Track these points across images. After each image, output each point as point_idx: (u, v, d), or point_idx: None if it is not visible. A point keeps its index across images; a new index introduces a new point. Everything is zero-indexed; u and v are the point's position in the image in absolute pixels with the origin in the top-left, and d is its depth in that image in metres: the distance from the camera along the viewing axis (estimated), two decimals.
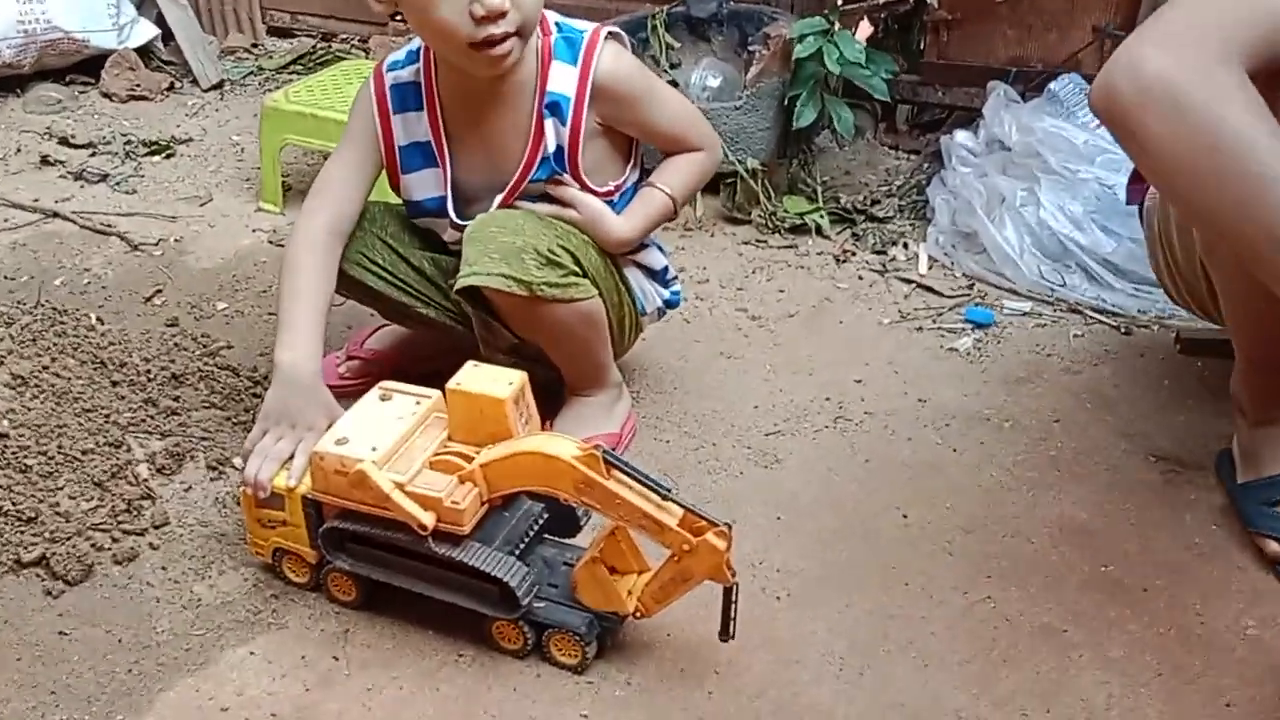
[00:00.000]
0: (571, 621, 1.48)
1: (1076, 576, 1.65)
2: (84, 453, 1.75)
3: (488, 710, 1.44)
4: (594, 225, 1.75)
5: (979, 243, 2.43)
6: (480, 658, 1.51)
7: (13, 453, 1.71)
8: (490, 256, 1.63)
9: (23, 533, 1.65)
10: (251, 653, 1.52)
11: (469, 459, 1.46)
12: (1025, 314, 2.30)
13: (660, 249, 1.93)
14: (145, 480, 1.76)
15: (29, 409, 1.77)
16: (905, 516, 1.77)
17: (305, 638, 1.54)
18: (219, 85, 3.39)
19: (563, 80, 1.69)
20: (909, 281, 2.41)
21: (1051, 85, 2.57)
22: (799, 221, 2.59)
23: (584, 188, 1.75)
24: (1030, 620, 1.58)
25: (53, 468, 1.72)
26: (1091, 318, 2.28)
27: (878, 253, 2.52)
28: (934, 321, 2.28)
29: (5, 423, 1.74)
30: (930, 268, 2.46)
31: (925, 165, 2.80)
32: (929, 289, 2.38)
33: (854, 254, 2.51)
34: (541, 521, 1.55)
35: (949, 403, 2.03)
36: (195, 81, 3.39)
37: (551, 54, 1.69)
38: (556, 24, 1.73)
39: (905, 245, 2.54)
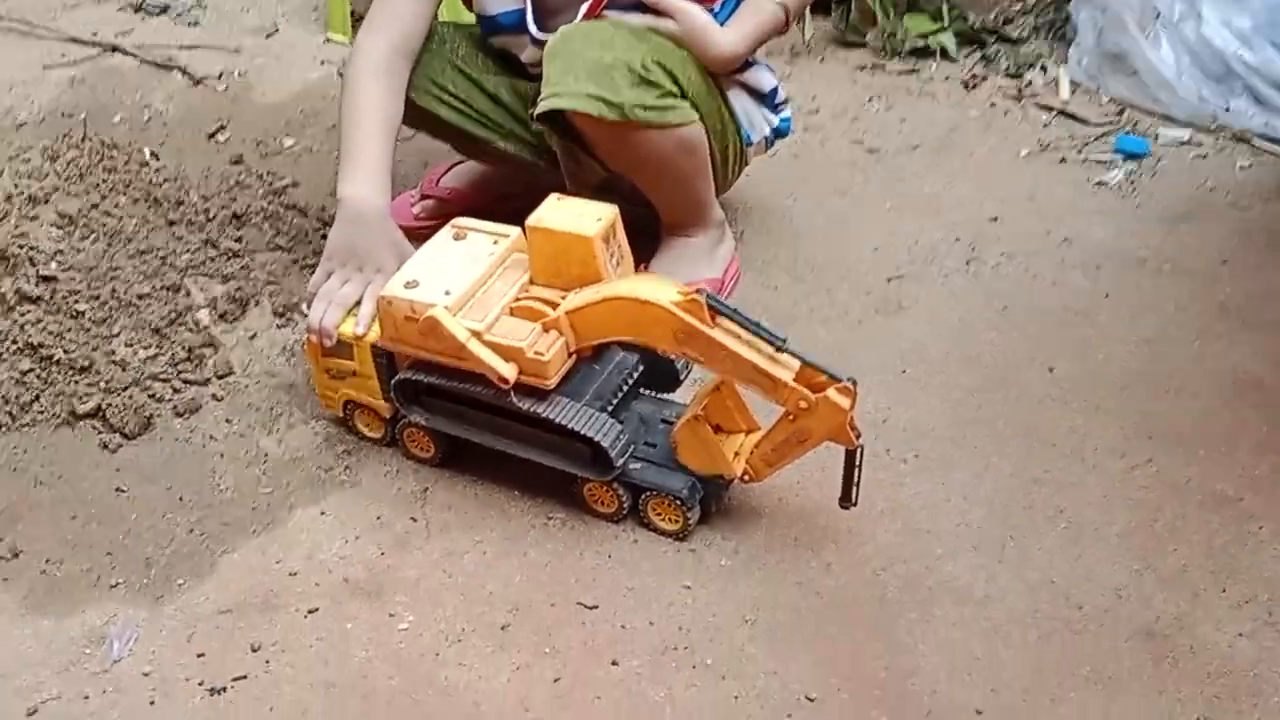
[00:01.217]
0: (672, 484, 1.32)
1: (1251, 437, 1.45)
2: (140, 297, 1.61)
3: (580, 579, 1.30)
4: (695, 38, 1.52)
5: (1129, 64, 2.15)
6: (571, 521, 1.37)
7: (63, 297, 1.57)
8: (575, 75, 1.43)
9: (77, 382, 1.52)
10: (322, 513, 1.39)
11: (553, 305, 1.29)
12: (1184, 143, 2.03)
13: (769, 68, 1.70)
14: (206, 327, 1.62)
15: (79, 250, 1.63)
16: (1051, 370, 1.55)
17: (381, 497, 1.41)
18: None
19: None
20: (1049, 109, 2.15)
21: None
22: (921, 43, 2.34)
23: None
24: (1199, 487, 1.38)
25: (106, 313, 1.58)
26: (1260, 146, 2.01)
27: (1012, 77, 2.25)
28: (1079, 152, 2.02)
29: (54, 265, 1.60)
30: (1073, 93, 2.19)
31: None
32: (1072, 116, 2.12)
33: (984, 79, 2.25)
34: (637, 375, 1.38)
35: (1099, 243, 1.79)
36: None
37: None
38: None
39: (1043, 69, 2.26)
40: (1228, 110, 2.06)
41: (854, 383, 1.21)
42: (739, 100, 1.65)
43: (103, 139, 1.78)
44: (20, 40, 2.50)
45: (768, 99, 1.70)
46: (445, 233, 1.42)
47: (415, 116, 1.63)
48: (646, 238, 1.69)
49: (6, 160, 1.77)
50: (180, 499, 1.41)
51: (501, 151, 1.69)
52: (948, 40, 2.32)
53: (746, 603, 1.26)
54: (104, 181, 1.73)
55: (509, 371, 1.27)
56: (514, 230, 1.38)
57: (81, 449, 1.48)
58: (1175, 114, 2.09)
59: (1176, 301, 1.66)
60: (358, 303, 1.43)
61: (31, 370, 1.53)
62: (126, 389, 1.52)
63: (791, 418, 1.24)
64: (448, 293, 1.30)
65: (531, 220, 1.30)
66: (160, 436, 1.50)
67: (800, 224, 1.87)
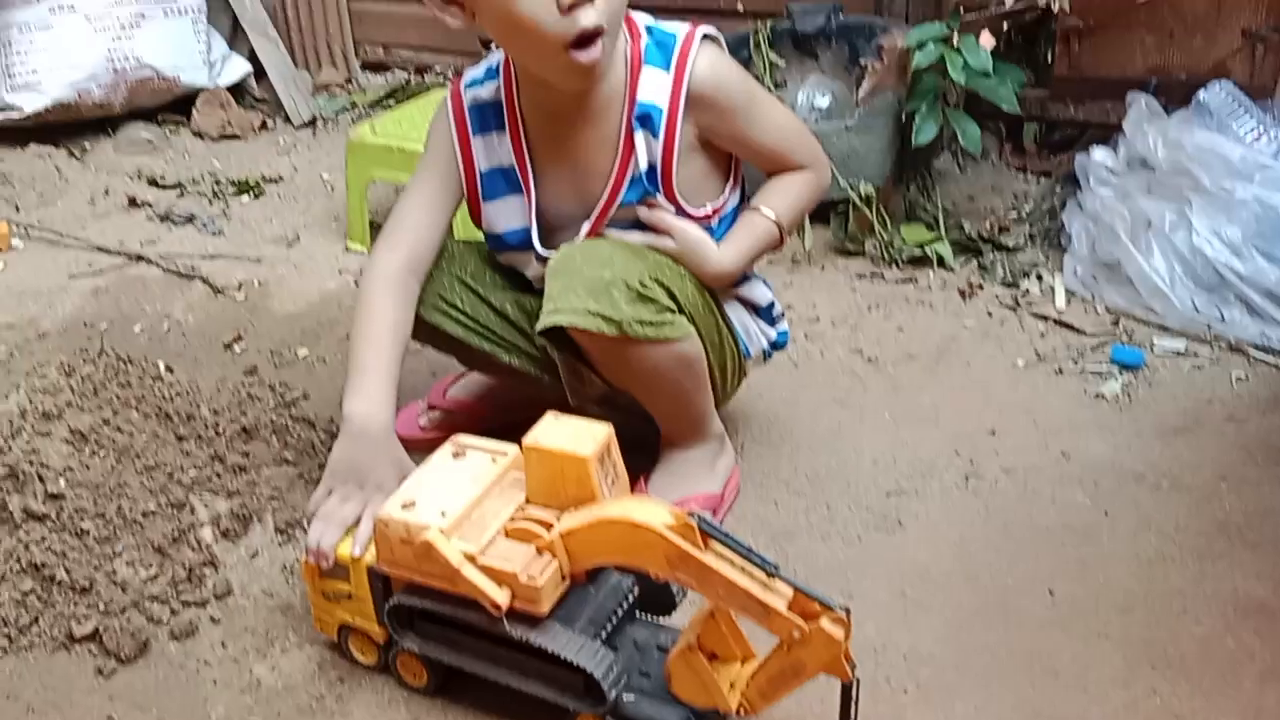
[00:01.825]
0: (665, 719, 1.29)
1: (1257, 666, 1.41)
2: (144, 515, 1.63)
3: None
4: (692, 255, 1.57)
5: (1123, 273, 2.19)
6: None
7: (69, 515, 1.59)
8: (575, 292, 1.47)
9: (76, 604, 1.53)
10: None
11: (548, 526, 1.29)
12: (1179, 354, 2.05)
13: (765, 283, 1.74)
14: (209, 545, 1.64)
15: (88, 466, 1.65)
16: (1051, 593, 1.54)
17: None
18: (311, 122, 3.33)
19: (654, 88, 1.52)
20: (1045, 318, 2.18)
21: (1200, 94, 2.32)
22: (918, 252, 2.38)
23: (679, 211, 1.57)
24: None
25: (110, 531, 1.60)
26: (1256, 358, 2.02)
27: (1008, 286, 2.29)
28: (1075, 363, 2.04)
29: (62, 482, 1.62)
30: (1069, 302, 2.22)
31: (1057, 188, 2.56)
32: (1068, 326, 2.14)
33: (981, 288, 2.29)
34: (632, 598, 1.37)
35: (1097, 457, 1.79)
36: (288, 119, 3.32)
37: (642, 59, 1.52)
38: (647, 27, 1.56)
39: (1039, 277, 2.30)
40: (1222, 320, 2.08)
41: (848, 612, 1.19)
42: (736, 314, 1.69)
43: (119, 354, 1.83)
44: (49, 249, 2.61)
45: (764, 312, 1.74)
46: (445, 450, 1.43)
47: (424, 332, 1.67)
48: (646, 449, 1.71)
49: (24, 375, 1.82)
50: None
51: (507, 365, 1.72)
52: (944, 249, 2.37)
53: None
54: (117, 397, 1.77)
55: (502, 598, 1.26)
56: (512, 448, 1.39)
57: (76, 675, 1.47)
58: (1170, 323, 2.12)
59: (1176, 520, 1.65)
60: (358, 522, 1.44)
61: (33, 591, 1.54)
62: (125, 611, 1.52)
63: (786, 648, 1.22)
64: (444, 514, 1.30)
65: (528, 440, 1.31)
66: (155, 662, 1.49)
67: (800, 435, 1.89)
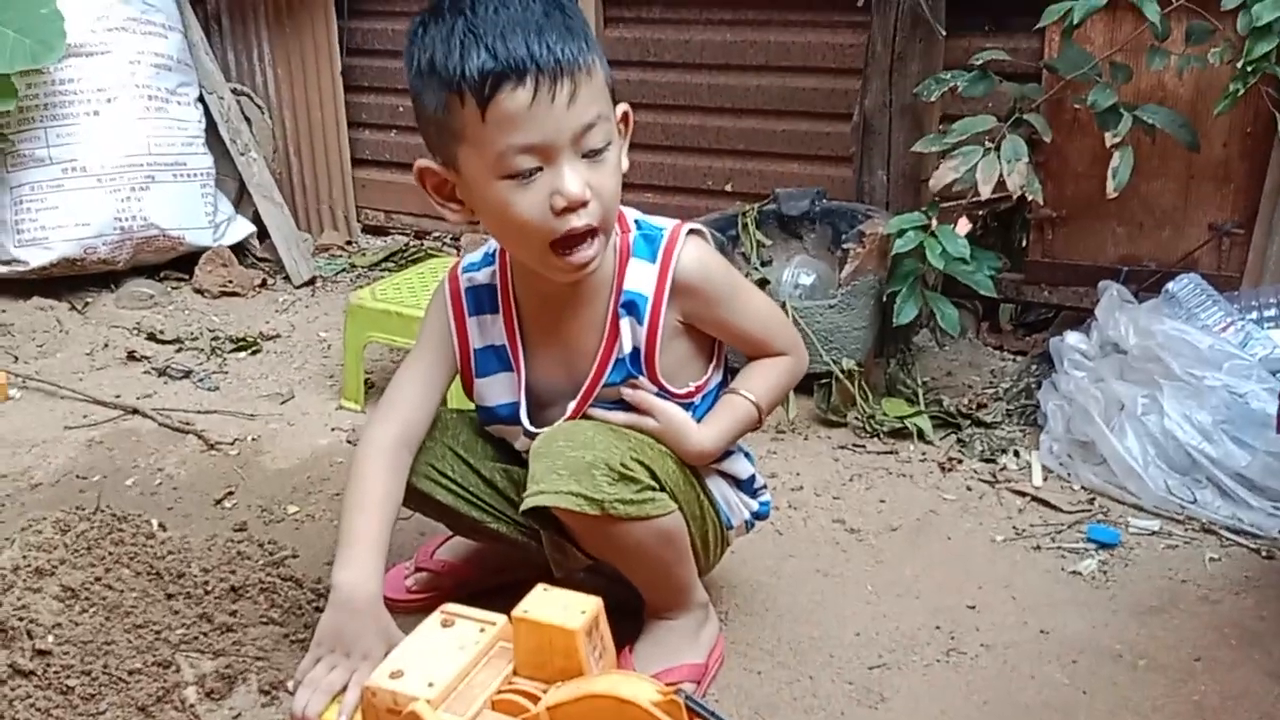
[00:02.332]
0: None
1: None
2: (130, 673, 1.63)
3: None
4: (673, 436, 1.63)
5: (1097, 453, 2.25)
6: None
7: (55, 672, 1.60)
8: (558, 474, 1.51)
9: None
10: None
11: (535, 699, 1.30)
12: (1154, 533, 2.09)
13: (747, 455, 1.79)
14: (192, 705, 1.63)
15: (77, 624, 1.66)
16: None
17: None
18: (311, 282, 3.42)
19: (641, 278, 1.60)
20: (1022, 494, 2.23)
21: (1169, 286, 2.43)
22: (899, 425, 2.45)
23: (661, 391, 1.64)
24: None
25: (96, 689, 1.60)
26: (1228, 539, 2.07)
27: (986, 461, 2.35)
28: (1053, 540, 2.08)
29: (51, 639, 1.63)
30: (1045, 479, 2.27)
31: (1033, 367, 2.65)
32: (1045, 503, 2.19)
33: (960, 462, 2.35)
34: None
35: (1075, 635, 1.82)
36: (288, 278, 3.41)
37: (630, 251, 1.61)
38: (636, 221, 1.65)
39: (1016, 454, 2.36)
40: (1195, 501, 2.14)
41: None
42: (718, 487, 1.73)
43: (114, 511, 1.86)
44: (45, 400, 2.65)
45: (745, 485, 1.78)
46: (434, 619, 1.44)
47: (415, 499, 1.71)
48: (631, 616, 1.73)
49: (18, 530, 1.84)
50: None
51: (495, 532, 1.76)
52: (924, 423, 2.44)
53: None
54: (110, 554, 1.79)
55: None
56: (501, 618, 1.41)
57: None
58: (1144, 503, 2.17)
59: (1153, 700, 1.67)
60: (344, 690, 1.45)
61: None
62: None
63: None
64: (431, 684, 1.31)
65: (517, 611, 1.33)
66: None
67: (783, 604, 1.91)
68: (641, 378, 1.62)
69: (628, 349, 1.60)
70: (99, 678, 1.61)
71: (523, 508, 1.55)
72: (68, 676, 1.60)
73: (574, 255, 1.49)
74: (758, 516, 1.82)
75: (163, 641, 1.70)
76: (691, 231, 1.64)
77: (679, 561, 1.66)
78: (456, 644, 1.39)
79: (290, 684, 1.64)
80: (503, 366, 1.68)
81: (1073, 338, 2.47)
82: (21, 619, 1.64)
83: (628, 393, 1.62)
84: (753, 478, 1.79)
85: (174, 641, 1.71)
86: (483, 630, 1.41)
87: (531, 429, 1.66)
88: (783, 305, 2.46)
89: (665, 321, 1.60)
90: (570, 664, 1.30)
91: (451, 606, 1.46)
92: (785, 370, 1.72)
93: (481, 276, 1.69)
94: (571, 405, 1.64)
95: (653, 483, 1.57)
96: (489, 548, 1.93)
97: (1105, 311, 2.44)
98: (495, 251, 1.68)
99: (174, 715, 1.61)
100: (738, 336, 1.70)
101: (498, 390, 1.69)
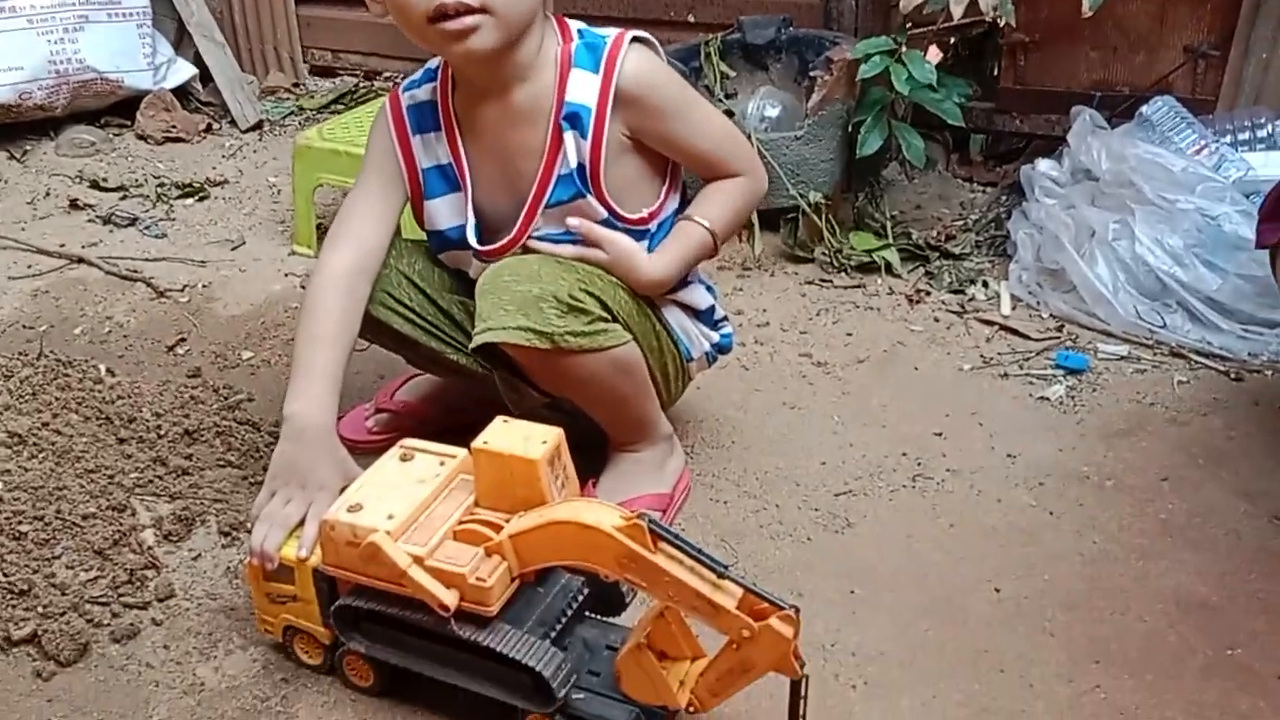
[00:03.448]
0: (615, 716, 1.28)
1: (1198, 661, 1.43)
2: (84, 518, 1.60)
3: None
4: (623, 266, 1.57)
5: (1067, 280, 2.22)
6: None
7: (6, 518, 1.56)
8: (505, 309, 1.46)
9: (14, 607, 1.49)
10: None
11: (497, 528, 1.28)
12: (1122, 358, 2.08)
13: (709, 288, 1.74)
14: (150, 548, 1.61)
15: (26, 470, 1.62)
16: (997, 590, 1.55)
17: None
18: (257, 126, 3.29)
19: (583, 89, 1.52)
20: (991, 323, 2.20)
21: (1143, 109, 2.37)
22: (867, 259, 2.40)
23: (611, 212, 1.57)
24: (1147, 714, 1.36)
25: (50, 534, 1.57)
26: (1197, 362, 2.05)
27: (955, 292, 2.31)
28: (1021, 367, 2.06)
29: (0, 485, 1.59)
30: (1014, 308, 2.25)
31: (1003, 198, 2.60)
32: (1014, 331, 2.17)
33: (928, 294, 2.31)
34: (581, 599, 1.37)
35: (1042, 459, 1.81)
36: (233, 122, 3.29)
37: (571, 61, 1.53)
38: (579, 31, 1.57)
39: (985, 284, 2.33)
40: (1164, 326, 2.12)
41: (797, 611, 1.19)
42: (675, 318, 1.68)
43: (58, 356, 1.80)
44: None
45: (705, 316, 1.73)
46: (392, 454, 1.42)
47: (372, 328, 1.65)
48: (596, 451, 1.71)
49: None
50: None
51: (454, 364, 1.71)
52: (892, 256, 2.40)
53: None
54: (56, 399, 1.74)
55: (450, 599, 1.25)
56: (461, 451, 1.38)
57: (14, 678, 1.43)
58: (1113, 329, 2.15)
59: (1120, 520, 1.68)
60: (302, 523, 1.42)
61: None
62: (64, 614, 1.49)
63: (735, 646, 1.21)
64: (391, 517, 1.29)
65: (477, 443, 1.30)
66: (95, 664, 1.46)
67: (750, 437, 1.89)
68: (589, 197, 1.55)
69: (572, 164, 1.53)
70: (52, 523, 1.58)
71: (472, 346, 1.50)
72: (20, 522, 1.56)
73: (449, 24, 1.41)
74: (720, 350, 1.78)
75: (116, 486, 1.66)
76: (637, 39, 1.55)
77: (638, 393, 1.62)
78: (416, 478, 1.36)
79: (250, 524, 1.61)
80: (450, 186, 1.62)
81: (1044, 164, 2.42)
82: None
83: (574, 222, 1.56)
84: (712, 309, 1.74)
85: (128, 486, 1.67)
86: (442, 464, 1.38)
87: (479, 248, 1.60)
88: (748, 138, 2.38)
89: (610, 134, 1.53)
90: (532, 494, 1.28)
91: (410, 441, 1.43)
92: (742, 193, 1.65)
93: (422, 94, 1.61)
94: (517, 226, 1.58)
95: (604, 314, 1.52)
96: (450, 387, 1.89)
97: (1078, 137, 2.38)
98: (437, 68, 1.60)
99: (132, 558, 1.58)
100: (689, 155, 1.62)
101: (446, 212, 1.63)
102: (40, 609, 1.49)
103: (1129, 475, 1.77)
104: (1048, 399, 1.97)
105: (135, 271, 2.45)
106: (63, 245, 2.56)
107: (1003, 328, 2.19)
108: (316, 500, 1.41)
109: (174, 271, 2.46)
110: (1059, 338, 2.15)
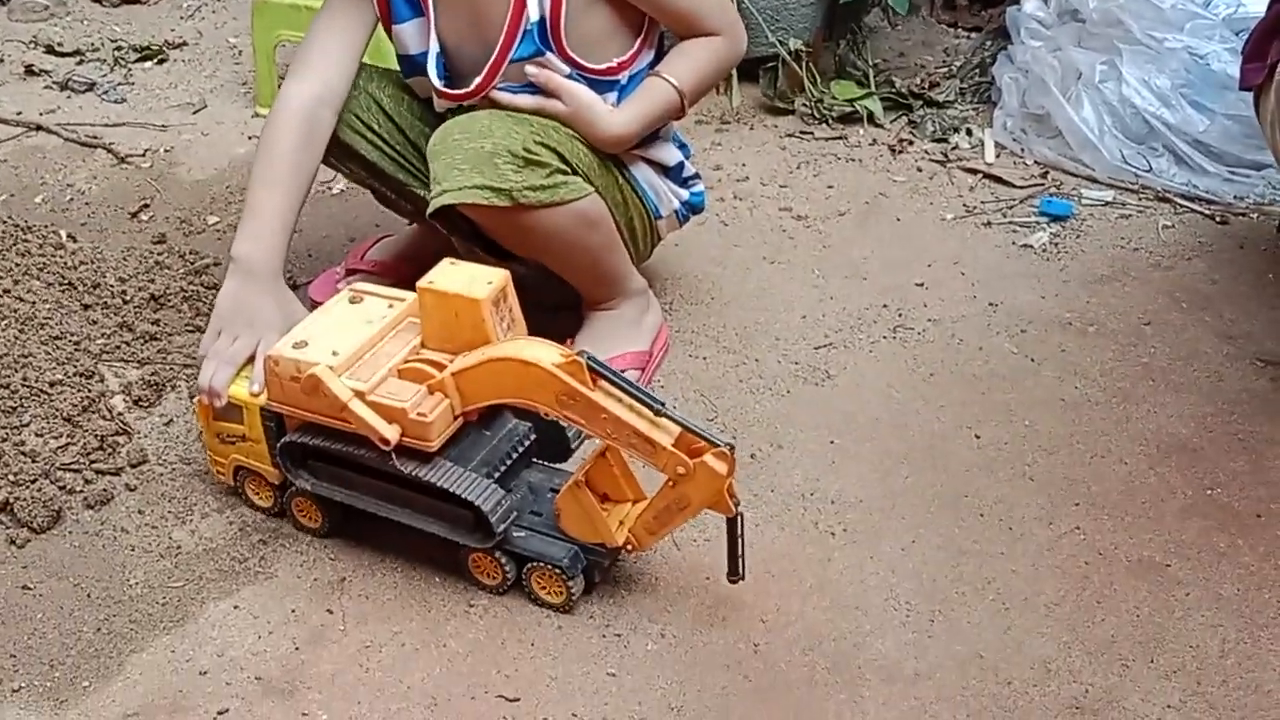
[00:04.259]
0: (553, 553, 1.30)
1: (1178, 502, 1.44)
2: (51, 384, 1.57)
3: (501, 669, 1.26)
4: (583, 120, 1.51)
5: (1052, 125, 2.17)
6: (493, 608, 1.33)
7: None
8: (459, 169, 1.42)
9: None
10: (235, 606, 1.34)
11: (441, 367, 1.28)
12: (1107, 204, 2.04)
13: (682, 146, 1.69)
14: (120, 414, 1.58)
15: None
16: (978, 437, 1.55)
17: (296, 589, 1.36)
18: None
19: None
20: (974, 172, 2.16)
21: None
22: (848, 109, 2.34)
23: (575, 66, 1.51)
24: (1126, 554, 1.37)
25: (17, 402, 1.54)
26: (1182, 206, 2.02)
27: (938, 141, 2.26)
28: (1004, 215, 2.03)
29: None
30: (998, 155, 2.20)
31: (988, 43, 2.53)
32: (997, 179, 2.13)
33: (911, 143, 2.26)
34: (528, 443, 1.38)
35: (1024, 306, 1.79)
36: None
37: None
38: None
39: (969, 132, 2.28)
40: (1150, 170, 2.08)
41: (731, 449, 1.20)
42: (642, 173, 1.63)
43: (17, 222, 1.74)
44: None
45: (674, 173, 1.68)
46: (342, 296, 1.41)
47: (337, 151, 1.60)
48: (568, 312, 1.68)
49: None
50: (88, 596, 1.36)
51: (420, 199, 1.66)
52: (874, 105, 2.33)
53: (673, 689, 1.23)
54: (17, 266, 1.69)
55: (391, 433, 1.25)
56: (410, 295, 1.37)
57: None
58: (1098, 174, 2.11)
59: (1101, 365, 1.66)
60: (250, 362, 1.41)
61: None
62: (35, 481, 1.47)
63: (671, 484, 1.23)
64: (335, 353, 1.30)
65: (422, 282, 1.29)
66: (70, 530, 1.44)
67: (729, 292, 1.86)
68: (550, 54, 1.49)
69: (534, 18, 1.47)
70: (19, 390, 1.54)
71: (429, 211, 1.45)
72: None
73: None
74: (691, 209, 1.73)
75: (83, 352, 1.63)
76: None
77: (606, 248, 1.58)
78: (364, 318, 1.36)
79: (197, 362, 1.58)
80: (415, 11, 1.56)
81: (1030, 5, 2.34)
82: None
83: (532, 71, 1.50)
84: (681, 165, 1.69)
85: (95, 352, 1.63)
86: (391, 306, 1.38)
87: (440, 86, 1.55)
88: None
89: None
90: (477, 335, 1.27)
91: (361, 285, 1.43)
92: (715, 52, 1.59)
93: None
94: (480, 78, 1.52)
95: (562, 165, 1.47)
96: (422, 244, 1.85)
97: None
98: None
99: (102, 424, 1.56)
100: (662, 8, 1.55)
101: (415, 36, 1.57)
102: (11, 476, 1.47)
103: (1111, 320, 1.76)
104: (1031, 247, 1.94)
105: (95, 138, 2.37)
106: (19, 113, 2.47)
107: (986, 176, 2.15)
108: (265, 339, 1.40)
109: (135, 137, 2.38)
110: (1043, 184, 2.11)
